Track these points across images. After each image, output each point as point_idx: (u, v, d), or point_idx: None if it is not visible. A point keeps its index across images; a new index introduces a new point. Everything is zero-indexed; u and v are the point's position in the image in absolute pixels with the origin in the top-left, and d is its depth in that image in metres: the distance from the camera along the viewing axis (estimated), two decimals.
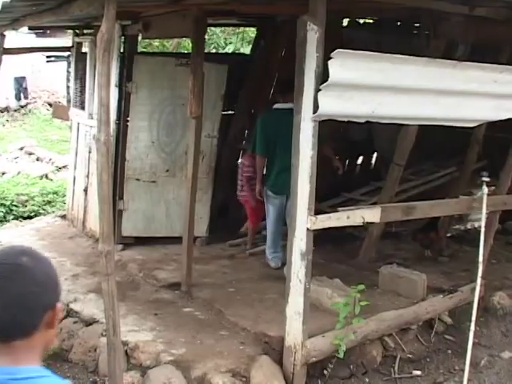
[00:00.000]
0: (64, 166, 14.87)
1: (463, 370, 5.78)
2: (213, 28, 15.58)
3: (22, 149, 16.88)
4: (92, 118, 8.75)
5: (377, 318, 6.08)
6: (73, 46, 9.97)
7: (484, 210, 6.14)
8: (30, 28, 10.02)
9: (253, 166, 8.03)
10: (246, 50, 15.57)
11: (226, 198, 9.63)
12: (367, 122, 5.25)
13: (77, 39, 9.79)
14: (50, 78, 23.18)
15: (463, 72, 5.58)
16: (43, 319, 1.97)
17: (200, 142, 7.21)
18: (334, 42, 5.15)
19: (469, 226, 9.59)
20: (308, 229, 5.10)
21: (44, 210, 11.74)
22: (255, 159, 7.80)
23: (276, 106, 7.54)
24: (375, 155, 11.52)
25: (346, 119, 5.16)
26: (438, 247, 8.69)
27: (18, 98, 23.25)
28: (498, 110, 5.97)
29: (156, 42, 17.37)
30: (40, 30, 11.41)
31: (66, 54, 10.77)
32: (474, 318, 5.91)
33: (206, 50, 7.32)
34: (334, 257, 8.07)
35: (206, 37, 7.82)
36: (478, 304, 6.04)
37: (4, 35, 8.83)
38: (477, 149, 8.66)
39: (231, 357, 5.54)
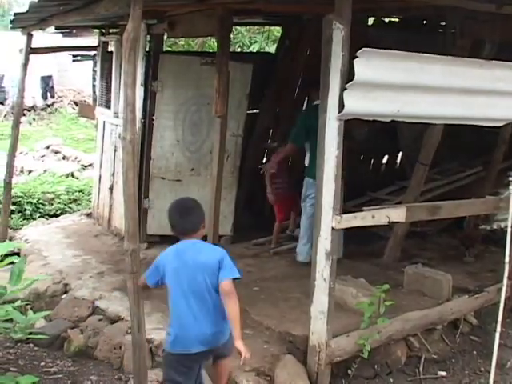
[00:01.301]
0: (90, 165, 14.97)
1: (489, 372, 5.73)
2: (238, 27, 15.58)
3: (48, 147, 17.01)
4: (118, 117, 8.79)
5: (402, 318, 6.06)
6: (99, 46, 10.02)
7: (511, 210, 6.08)
8: (56, 28, 10.12)
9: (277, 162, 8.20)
10: (271, 49, 15.54)
11: (250, 197, 9.64)
12: (392, 121, 5.22)
13: (103, 38, 9.84)
14: (76, 77, 23.37)
15: (490, 71, 5.54)
16: (201, 225, 4.62)
17: (225, 141, 7.23)
18: (359, 40, 5.12)
19: (495, 226, 9.51)
20: (333, 228, 5.09)
21: (70, 208, 11.82)
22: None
23: (316, 102, 7.56)
24: (400, 154, 11.47)
25: (371, 118, 5.13)
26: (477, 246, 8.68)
27: (45, 97, 23.45)
28: None
29: (181, 41, 17.37)
30: (66, 30, 11.55)
31: (91, 53, 10.84)
32: (499, 318, 5.85)
33: (231, 49, 7.33)
34: (359, 256, 8.04)
35: (231, 36, 7.83)
36: (504, 305, 5.98)
37: (31, 35, 8.93)
38: (503, 148, 8.60)
39: (255, 356, 5.52)
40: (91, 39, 13.58)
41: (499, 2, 6.17)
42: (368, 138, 8.65)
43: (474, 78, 5.43)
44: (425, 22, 9.49)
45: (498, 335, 5.82)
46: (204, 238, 6.77)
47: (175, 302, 4.48)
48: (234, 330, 4.37)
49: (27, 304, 6.65)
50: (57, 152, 16.79)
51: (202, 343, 4.45)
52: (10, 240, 9.04)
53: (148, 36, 8.47)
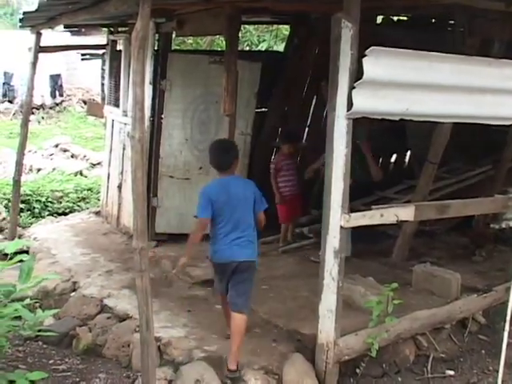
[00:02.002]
0: (98, 163, 15.00)
1: (497, 371, 5.73)
2: (246, 26, 15.58)
3: (57, 146, 17.04)
4: (126, 116, 8.81)
5: (410, 317, 6.05)
6: (107, 44, 10.05)
7: None
8: (65, 26, 10.14)
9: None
10: (280, 47, 15.54)
11: None
12: (401, 119, 5.21)
13: (111, 37, 9.86)
14: (85, 75, 23.37)
15: (499, 69, 5.52)
16: (234, 163, 5.50)
17: (234, 140, 7.23)
18: (368, 39, 5.11)
19: (504, 225, 9.47)
20: (341, 226, 5.09)
21: (78, 206, 11.85)
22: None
23: None
24: (409, 153, 11.45)
25: (380, 117, 5.13)
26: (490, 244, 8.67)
27: (53, 96, 23.49)
28: None
29: (190, 40, 17.38)
30: (75, 29, 11.54)
31: (100, 51, 10.86)
32: (508, 317, 5.84)
33: (239, 48, 7.32)
34: (368, 255, 8.03)
35: (240, 34, 7.82)
36: None
37: (40, 33, 8.95)
38: None
39: (264, 354, 5.55)
40: (100, 38, 13.56)
41: (509, 0, 6.15)
42: (375, 137, 8.63)
43: (482, 76, 5.42)
44: (433, 20, 9.47)
45: (506, 334, 5.81)
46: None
47: (218, 227, 5.44)
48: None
49: (36, 302, 6.68)
50: (65, 150, 16.82)
51: (236, 257, 5.43)
52: (19, 238, 9.07)
53: (157, 35, 8.49)
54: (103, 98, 10.63)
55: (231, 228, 5.41)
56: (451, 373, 6.07)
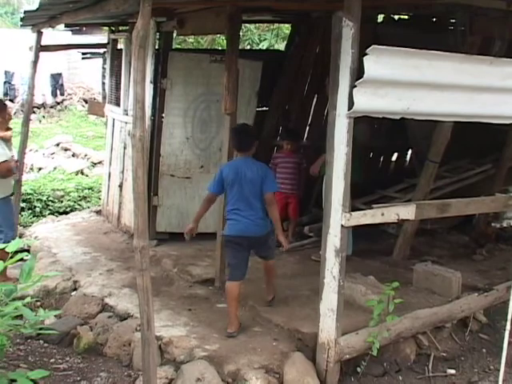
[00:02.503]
0: (99, 162, 15.02)
1: (498, 370, 5.72)
2: (247, 24, 15.60)
3: (58, 145, 17.06)
4: (127, 114, 8.81)
5: (411, 316, 6.05)
6: (108, 43, 10.04)
7: None
8: (66, 25, 10.11)
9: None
10: (281, 46, 15.55)
11: None
12: (402, 118, 5.21)
13: (112, 36, 9.86)
14: (86, 74, 23.41)
15: (500, 68, 5.52)
16: (252, 146, 6.13)
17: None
18: (369, 38, 5.12)
19: (505, 224, 9.47)
20: (342, 225, 5.09)
21: (79, 205, 11.86)
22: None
23: None
24: (410, 152, 11.45)
25: (380, 116, 5.13)
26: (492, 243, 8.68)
27: (54, 95, 23.50)
28: None
29: (191, 39, 17.39)
30: (76, 28, 11.55)
31: (101, 50, 10.86)
32: (509, 316, 5.83)
33: (240, 47, 7.31)
34: (368, 254, 8.04)
35: (241, 33, 7.82)
36: None
37: (41, 32, 8.94)
38: None
39: (264, 353, 5.55)
40: (101, 37, 13.58)
41: None
42: (376, 136, 8.64)
43: (483, 75, 5.41)
44: (434, 19, 9.46)
45: (507, 333, 5.80)
46: (213, 236, 6.80)
47: (231, 203, 6.07)
48: (277, 228, 6.12)
49: (37, 301, 6.68)
50: (66, 149, 16.84)
51: (248, 231, 5.98)
52: (20, 237, 9.05)
53: (157, 33, 8.48)
54: (104, 97, 10.64)
55: (243, 206, 6.00)
56: (452, 372, 6.07)
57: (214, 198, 6.32)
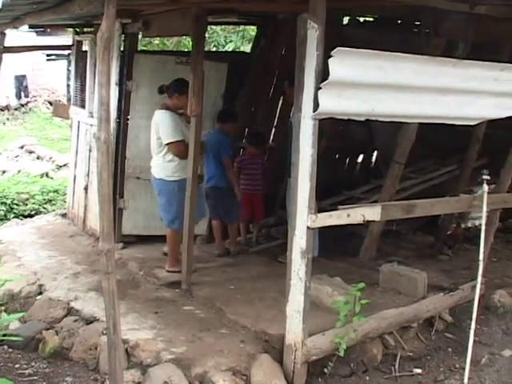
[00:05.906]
0: (64, 165, 14.91)
1: (464, 368, 5.77)
2: (213, 26, 15.58)
3: (22, 147, 16.92)
4: (92, 117, 8.76)
5: (377, 316, 6.08)
6: (73, 45, 9.98)
7: (484, 209, 6.13)
8: (30, 26, 10.03)
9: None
10: (247, 48, 15.57)
11: None
12: (367, 120, 5.24)
13: (77, 38, 9.80)
14: (51, 76, 23.21)
15: (463, 70, 5.57)
16: (228, 122, 8.27)
17: (200, 140, 7.21)
18: (334, 40, 5.14)
19: (469, 224, 9.59)
20: (308, 227, 5.10)
21: (44, 208, 11.77)
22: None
23: None
24: (375, 153, 11.53)
25: (346, 117, 5.15)
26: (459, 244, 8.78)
27: (19, 97, 23.27)
28: (499, 108, 5.96)
29: (156, 41, 17.36)
30: (40, 29, 11.43)
31: (66, 52, 10.79)
32: (474, 316, 5.90)
33: (206, 49, 7.32)
34: (335, 255, 8.07)
35: (206, 35, 7.82)
36: (479, 302, 6.03)
37: (4, 33, 8.82)
38: (477, 147, 8.68)
39: (231, 355, 5.54)
40: (66, 38, 13.48)
41: (472, 1, 6.21)
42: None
43: (447, 77, 5.45)
44: (399, 21, 9.53)
45: (472, 332, 5.87)
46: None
47: (206, 164, 8.06)
48: (234, 185, 8.11)
49: (1, 305, 6.60)
50: (31, 152, 16.70)
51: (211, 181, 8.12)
52: None
53: (123, 35, 8.44)
54: (69, 99, 10.57)
55: (211, 165, 8.06)
56: (418, 371, 6.10)
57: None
